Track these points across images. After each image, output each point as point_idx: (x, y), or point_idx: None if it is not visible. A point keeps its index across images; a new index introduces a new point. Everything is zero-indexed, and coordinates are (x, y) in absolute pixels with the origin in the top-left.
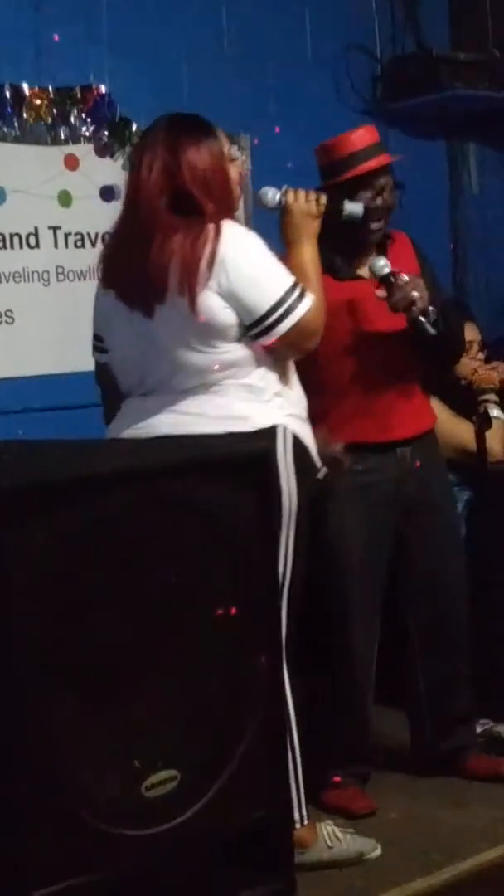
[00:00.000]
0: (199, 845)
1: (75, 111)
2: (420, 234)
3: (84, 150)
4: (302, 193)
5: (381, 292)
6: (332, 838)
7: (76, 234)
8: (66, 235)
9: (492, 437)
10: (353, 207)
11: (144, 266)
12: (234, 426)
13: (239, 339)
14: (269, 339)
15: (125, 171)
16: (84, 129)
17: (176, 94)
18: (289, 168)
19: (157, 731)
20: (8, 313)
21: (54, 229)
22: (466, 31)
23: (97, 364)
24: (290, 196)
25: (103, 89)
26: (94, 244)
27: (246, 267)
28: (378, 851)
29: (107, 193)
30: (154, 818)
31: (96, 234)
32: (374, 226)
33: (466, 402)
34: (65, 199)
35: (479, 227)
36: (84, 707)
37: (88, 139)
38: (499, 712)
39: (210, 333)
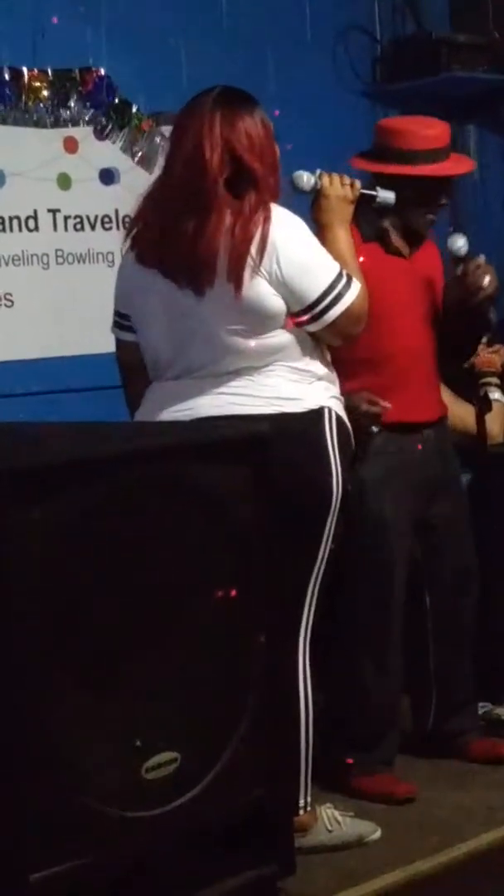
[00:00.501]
0: (199, 827)
1: (75, 94)
2: None
3: (83, 133)
4: (336, 177)
5: (458, 270)
6: (331, 822)
7: (75, 217)
8: (66, 218)
9: (492, 419)
10: (387, 195)
11: (196, 246)
12: (285, 407)
13: (286, 324)
14: (318, 326)
15: (125, 153)
16: (83, 111)
17: (175, 76)
18: (289, 150)
19: (156, 714)
20: (7, 296)
21: (54, 212)
22: (466, 13)
23: (120, 342)
24: (326, 180)
25: (102, 72)
26: (93, 227)
27: (296, 254)
28: (378, 834)
29: (106, 176)
30: (154, 800)
31: (96, 217)
32: (431, 217)
33: (467, 384)
34: (64, 181)
35: (479, 210)
36: (84, 690)
37: (88, 122)
38: (498, 695)
39: (258, 320)
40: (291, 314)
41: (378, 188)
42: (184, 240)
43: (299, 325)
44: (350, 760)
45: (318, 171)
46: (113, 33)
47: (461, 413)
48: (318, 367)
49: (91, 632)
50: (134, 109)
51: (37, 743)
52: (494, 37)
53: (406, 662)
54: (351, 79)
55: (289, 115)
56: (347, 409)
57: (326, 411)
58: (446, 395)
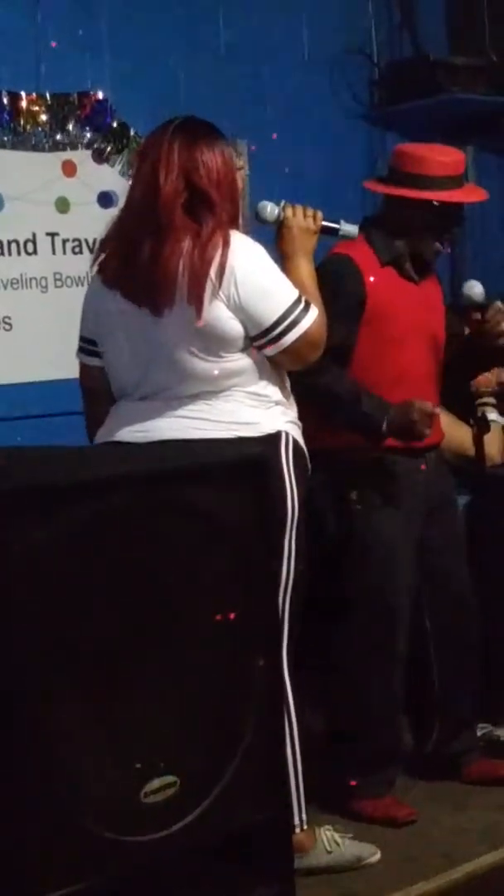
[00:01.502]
0: (198, 851)
1: (73, 117)
2: None
3: (82, 157)
4: (300, 209)
5: (477, 316)
6: (330, 843)
7: (74, 241)
8: (64, 242)
9: (490, 441)
10: (350, 228)
11: (154, 268)
12: (242, 431)
13: (245, 349)
14: (275, 350)
15: (123, 177)
16: (82, 135)
17: (173, 100)
18: (286, 173)
19: (155, 737)
20: (6, 320)
21: (52, 236)
22: (464, 36)
23: (84, 367)
24: (289, 211)
25: (101, 95)
26: (91, 250)
27: (254, 278)
28: (377, 856)
29: (104, 199)
30: (153, 824)
31: (94, 241)
32: (439, 246)
33: (465, 406)
34: (62, 205)
35: (478, 231)
36: (82, 712)
37: (86, 145)
38: (498, 716)
39: (216, 343)
40: (251, 338)
41: (342, 221)
42: (141, 262)
43: (257, 348)
44: (353, 782)
45: (282, 202)
46: (112, 57)
47: (459, 435)
48: (274, 392)
49: (90, 656)
50: (132, 133)
51: (36, 767)
52: (492, 59)
53: (406, 683)
54: (349, 101)
55: (287, 139)
56: (401, 420)
57: (283, 435)
58: (444, 417)
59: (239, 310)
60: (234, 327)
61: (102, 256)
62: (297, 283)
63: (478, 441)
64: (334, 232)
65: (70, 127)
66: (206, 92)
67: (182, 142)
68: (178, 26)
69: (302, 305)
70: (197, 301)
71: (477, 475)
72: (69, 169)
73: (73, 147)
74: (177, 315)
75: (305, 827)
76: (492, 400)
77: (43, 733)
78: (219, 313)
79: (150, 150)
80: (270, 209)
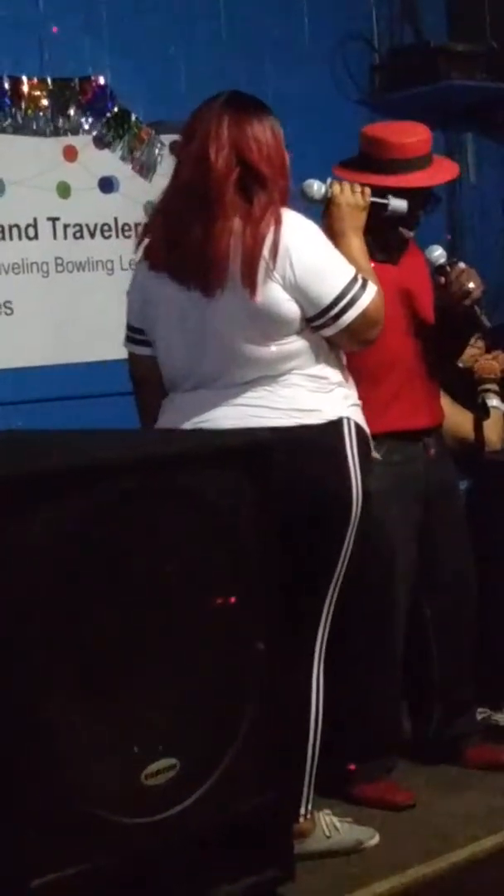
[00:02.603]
0: (198, 833)
1: (74, 103)
2: None
3: (83, 142)
4: (347, 185)
5: (441, 279)
6: (330, 828)
7: (75, 226)
8: (66, 227)
9: (490, 427)
10: (399, 203)
11: (206, 248)
12: (304, 418)
13: (301, 331)
14: (334, 330)
15: (124, 162)
16: (83, 120)
17: (174, 85)
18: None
19: (155, 720)
20: (7, 304)
21: (53, 220)
22: (464, 22)
23: (133, 356)
24: (337, 188)
25: (102, 81)
26: (92, 235)
27: (310, 257)
28: (376, 840)
29: (105, 184)
30: (154, 807)
31: (95, 226)
32: (409, 234)
33: (465, 391)
34: (63, 190)
35: (476, 217)
36: (83, 697)
37: (87, 131)
38: (497, 700)
39: (272, 325)
40: (306, 318)
41: (390, 196)
42: (192, 241)
43: (315, 329)
44: (352, 767)
45: (329, 180)
46: (112, 43)
47: (460, 420)
48: (334, 374)
49: (91, 639)
50: (133, 118)
51: (37, 750)
52: (492, 46)
53: (406, 669)
54: (350, 87)
55: (287, 124)
56: None
57: (345, 422)
58: (445, 403)
59: (295, 290)
60: (290, 309)
61: (146, 241)
62: (350, 260)
63: (478, 427)
64: (383, 207)
65: (71, 112)
66: (206, 78)
67: (232, 117)
68: (179, 12)
69: (360, 283)
70: (251, 281)
71: (476, 461)
72: (70, 154)
73: (75, 132)
74: (229, 297)
75: (309, 816)
76: (494, 387)
77: (43, 718)
78: (275, 294)
79: (198, 125)
80: (317, 187)
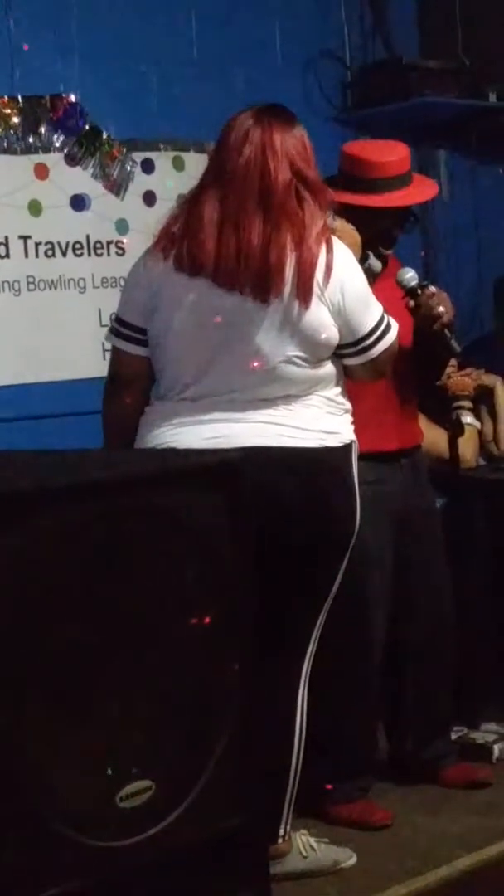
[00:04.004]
0: (174, 856)
1: (45, 120)
2: None
3: (54, 160)
4: (347, 224)
5: (411, 302)
6: (306, 848)
7: (46, 244)
8: (37, 245)
9: (464, 443)
10: (375, 264)
11: (267, 255)
12: (328, 440)
13: (331, 356)
14: (361, 360)
15: (95, 179)
16: (54, 138)
17: (146, 103)
18: None
19: (130, 742)
20: None
21: (25, 239)
22: (436, 39)
23: (121, 353)
24: (339, 223)
25: (73, 98)
26: (64, 253)
27: (358, 287)
28: (353, 860)
29: (77, 202)
30: (129, 829)
31: (67, 244)
32: (387, 253)
33: (440, 408)
34: (35, 208)
35: (450, 234)
36: (57, 718)
37: (58, 148)
38: (473, 719)
39: (313, 345)
40: (339, 345)
41: (370, 253)
42: (251, 250)
43: (342, 356)
44: (329, 787)
45: (329, 214)
46: (84, 60)
47: (434, 437)
48: (345, 399)
49: (64, 661)
50: (105, 136)
51: (10, 772)
52: (464, 62)
53: (383, 688)
54: (322, 104)
55: None
56: None
57: (353, 446)
58: (420, 420)
59: (340, 316)
60: (332, 334)
61: (175, 240)
62: None
63: (452, 444)
64: (363, 260)
65: (42, 130)
66: (178, 95)
67: (278, 126)
68: (151, 29)
69: (387, 319)
70: (306, 294)
71: (451, 478)
72: (41, 172)
73: (46, 150)
74: (280, 307)
75: (287, 837)
76: (467, 403)
77: (17, 738)
78: (322, 317)
79: (243, 134)
80: (410, 276)
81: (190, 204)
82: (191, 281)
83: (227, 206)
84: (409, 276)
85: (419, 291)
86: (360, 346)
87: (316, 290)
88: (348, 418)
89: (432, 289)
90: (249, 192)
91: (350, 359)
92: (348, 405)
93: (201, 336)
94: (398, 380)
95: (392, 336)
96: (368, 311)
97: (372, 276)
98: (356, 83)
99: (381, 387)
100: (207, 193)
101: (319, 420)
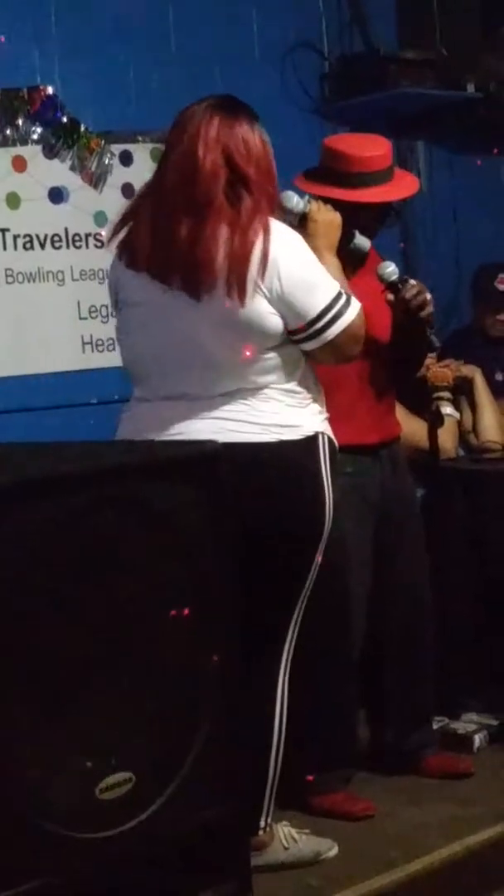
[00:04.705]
0: (154, 847)
1: (23, 113)
2: None
3: (32, 152)
4: (323, 205)
5: (390, 296)
6: (288, 839)
7: (25, 237)
8: (15, 237)
9: (444, 434)
10: (362, 242)
11: (195, 249)
12: (285, 434)
13: (281, 344)
14: (317, 344)
15: (73, 172)
16: (32, 130)
17: (123, 94)
18: None
19: (110, 734)
20: None
21: (3, 231)
22: (414, 30)
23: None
24: (315, 205)
25: (51, 90)
26: (43, 246)
27: (298, 270)
28: (335, 851)
29: (55, 195)
30: (109, 821)
31: (45, 236)
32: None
33: (419, 399)
34: (13, 201)
35: (429, 225)
36: (36, 711)
37: (36, 141)
38: (454, 709)
39: (254, 337)
40: (289, 331)
41: (356, 233)
42: (178, 242)
43: (297, 342)
44: (310, 778)
45: (306, 196)
46: (61, 52)
47: (414, 428)
48: (310, 387)
49: (42, 653)
50: (83, 128)
51: None
52: (442, 53)
53: (364, 679)
54: (299, 96)
55: None
56: None
57: (320, 437)
58: (399, 411)
59: (281, 302)
60: (274, 322)
61: (124, 234)
62: None
63: (432, 434)
64: (348, 240)
65: (20, 122)
66: (156, 87)
67: (221, 119)
68: (128, 22)
69: (344, 298)
70: (240, 291)
71: (431, 468)
72: (19, 164)
73: (23, 142)
74: (214, 302)
75: (268, 829)
76: (447, 394)
77: None
78: (260, 307)
79: (185, 126)
80: (296, 200)
81: (137, 197)
82: (135, 276)
83: (162, 199)
84: (390, 269)
85: (399, 286)
86: (311, 330)
87: (251, 282)
88: (315, 408)
89: (413, 282)
90: (180, 186)
91: (305, 343)
92: (313, 395)
93: (149, 333)
94: (376, 373)
95: (350, 316)
96: (314, 293)
97: (361, 254)
98: (334, 74)
99: (362, 380)
100: (150, 187)
101: (278, 414)
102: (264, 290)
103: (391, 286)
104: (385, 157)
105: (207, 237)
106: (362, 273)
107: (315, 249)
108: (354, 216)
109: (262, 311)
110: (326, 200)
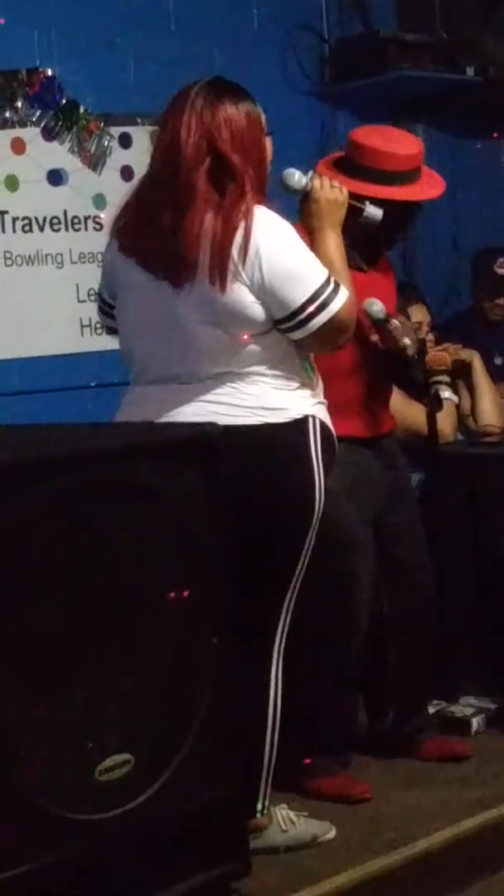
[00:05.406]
0: (153, 829)
1: (22, 94)
2: None
3: (31, 134)
4: (327, 181)
5: (375, 337)
6: (286, 822)
7: (24, 219)
8: (14, 220)
9: (442, 418)
10: (374, 211)
11: (176, 239)
12: (270, 417)
13: (268, 330)
14: (302, 334)
15: (72, 154)
16: (31, 112)
17: (122, 77)
18: None
19: (109, 716)
20: None
21: (1, 214)
22: (413, 13)
23: (112, 330)
24: (318, 182)
25: (50, 72)
26: (41, 228)
27: (281, 259)
28: (332, 833)
29: (54, 177)
30: (108, 802)
31: (44, 219)
32: (395, 238)
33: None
34: (11, 183)
35: (428, 209)
36: (36, 693)
37: (35, 123)
38: (451, 693)
39: (237, 324)
40: (274, 320)
41: (367, 202)
42: (161, 231)
43: (282, 331)
44: (308, 761)
45: (310, 172)
46: (60, 34)
47: (412, 412)
48: (300, 374)
49: (42, 634)
50: (82, 110)
51: None
52: (441, 36)
53: (363, 663)
54: (299, 78)
55: None
56: None
57: (311, 420)
58: (397, 396)
59: (262, 292)
60: (256, 311)
61: (122, 222)
62: (325, 258)
63: (431, 419)
64: (359, 212)
65: (19, 104)
66: (155, 69)
67: (205, 103)
68: (127, 3)
69: (331, 287)
70: (221, 279)
71: (430, 453)
72: (18, 146)
73: (22, 124)
74: (197, 291)
75: (266, 812)
76: (445, 378)
77: None
78: (241, 297)
79: (171, 112)
80: (298, 177)
81: (135, 188)
82: (127, 262)
83: (145, 186)
84: (376, 308)
85: (386, 324)
86: (295, 321)
87: (232, 269)
88: (305, 392)
89: (395, 322)
90: (164, 173)
91: (291, 333)
92: (303, 380)
93: (142, 318)
94: (377, 367)
95: (336, 306)
96: (297, 283)
97: (373, 225)
98: (334, 57)
99: (362, 373)
100: (146, 173)
101: (263, 396)
102: (245, 279)
103: (376, 323)
104: (418, 156)
105: (189, 226)
106: (379, 266)
107: (318, 228)
108: (389, 217)
109: (244, 300)
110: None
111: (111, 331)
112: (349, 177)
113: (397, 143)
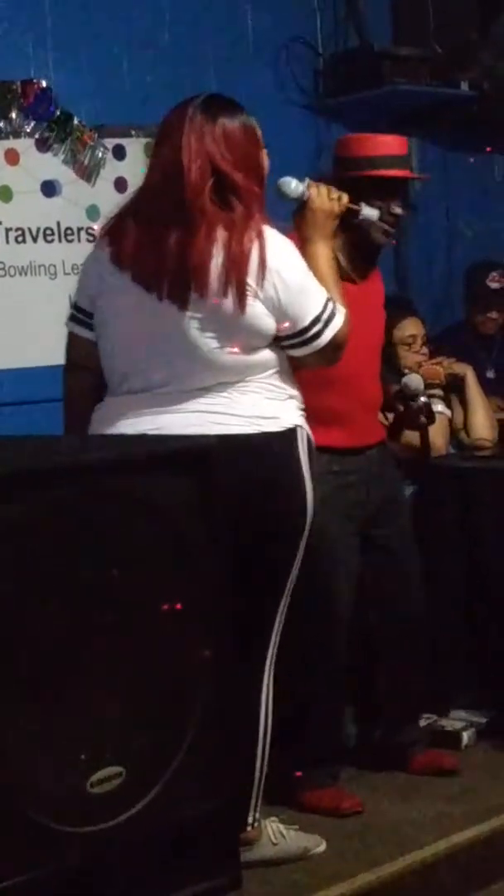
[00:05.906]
0: (144, 841)
1: (16, 106)
2: None
3: (25, 145)
4: (324, 189)
5: (400, 406)
6: (276, 835)
7: (17, 230)
8: (7, 231)
9: (435, 431)
10: (370, 211)
11: (186, 260)
12: (265, 426)
13: (270, 343)
14: (307, 351)
15: (66, 165)
16: (25, 123)
17: (117, 89)
18: None
19: (101, 728)
20: None
21: None
22: (408, 26)
23: (76, 338)
24: (314, 191)
25: (44, 84)
26: (35, 239)
27: (294, 279)
28: (323, 847)
29: (48, 188)
30: (100, 815)
31: (38, 229)
32: (384, 240)
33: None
34: (5, 194)
35: (421, 222)
36: (28, 704)
37: (29, 134)
38: (442, 707)
39: (249, 338)
40: (280, 338)
41: (362, 204)
42: (166, 251)
43: (285, 347)
44: (299, 774)
45: (306, 180)
46: (55, 45)
47: None
48: (289, 384)
49: (35, 646)
50: (76, 121)
51: None
52: (436, 50)
53: (353, 676)
54: (294, 92)
55: None
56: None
57: (299, 431)
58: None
59: (277, 309)
60: (269, 324)
61: (117, 234)
62: (317, 271)
63: (423, 432)
64: (355, 214)
65: (13, 115)
66: (149, 82)
67: (204, 122)
68: (122, 15)
69: (331, 306)
70: (238, 294)
71: (422, 466)
72: (12, 157)
73: (16, 135)
74: (206, 307)
75: (257, 825)
76: (438, 392)
77: None
78: (255, 310)
79: (171, 131)
80: (295, 186)
81: (131, 199)
82: (121, 273)
83: (145, 206)
84: (416, 383)
85: (414, 402)
86: (304, 337)
87: (250, 289)
88: (293, 403)
89: (421, 403)
90: (167, 194)
91: (296, 350)
92: (292, 391)
93: (132, 329)
94: (367, 378)
95: (339, 321)
96: (308, 300)
97: (369, 225)
98: (328, 71)
99: (352, 383)
100: (140, 191)
101: (257, 406)
102: (261, 296)
103: (410, 399)
104: (402, 145)
105: (199, 244)
106: (371, 277)
107: (310, 238)
108: (377, 194)
109: (258, 314)
110: (353, 187)
111: (77, 342)
112: (339, 173)
113: (381, 135)
